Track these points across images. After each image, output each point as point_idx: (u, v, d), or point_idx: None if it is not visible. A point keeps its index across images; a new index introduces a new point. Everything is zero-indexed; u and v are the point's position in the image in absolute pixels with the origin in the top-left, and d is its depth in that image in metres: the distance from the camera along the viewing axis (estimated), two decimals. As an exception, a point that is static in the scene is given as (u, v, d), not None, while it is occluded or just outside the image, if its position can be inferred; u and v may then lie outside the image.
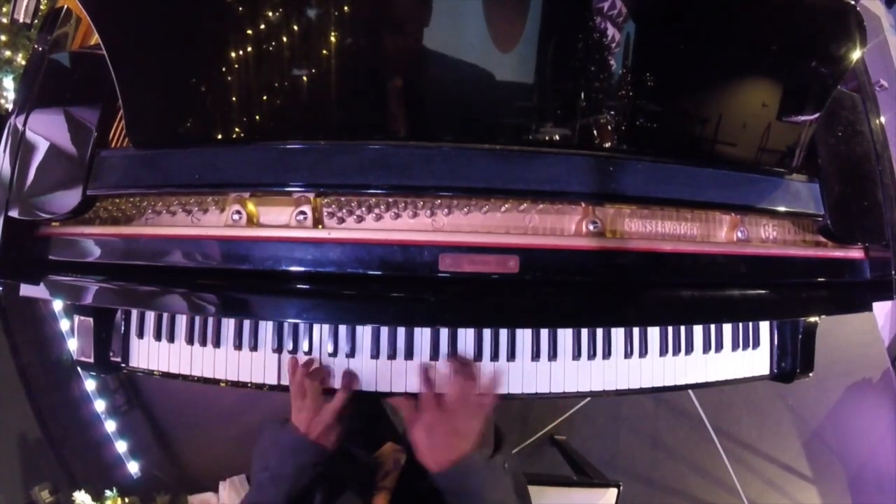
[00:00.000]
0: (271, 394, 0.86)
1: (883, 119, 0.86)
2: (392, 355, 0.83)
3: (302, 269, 0.73)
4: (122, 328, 0.88)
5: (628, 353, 0.87)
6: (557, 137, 0.73)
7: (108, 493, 1.49)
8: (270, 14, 0.71)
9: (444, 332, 0.83)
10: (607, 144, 0.74)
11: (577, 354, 0.85)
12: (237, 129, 0.73)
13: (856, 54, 0.78)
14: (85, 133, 0.76)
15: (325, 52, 0.71)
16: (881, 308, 2.19)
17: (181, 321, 0.86)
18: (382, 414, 1.16)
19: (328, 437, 0.76)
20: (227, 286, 0.75)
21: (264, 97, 0.72)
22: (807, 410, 1.98)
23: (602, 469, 1.48)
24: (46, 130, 0.77)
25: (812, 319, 0.91)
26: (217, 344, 0.85)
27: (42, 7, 0.93)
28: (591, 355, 0.85)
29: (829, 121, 0.83)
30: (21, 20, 0.91)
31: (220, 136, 0.73)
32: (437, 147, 0.70)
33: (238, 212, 0.76)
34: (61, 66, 0.81)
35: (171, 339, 0.86)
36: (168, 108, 0.75)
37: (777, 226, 0.85)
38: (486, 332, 0.84)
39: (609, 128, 0.74)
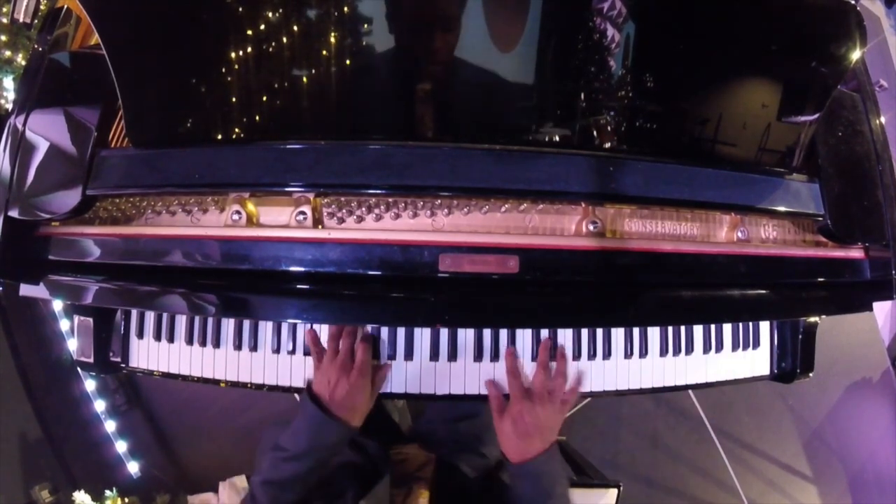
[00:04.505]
0: (271, 394, 0.86)
1: (883, 119, 0.86)
2: (392, 355, 0.83)
3: (302, 269, 0.73)
4: (122, 328, 0.88)
5: (628, 354, 0.87)
6: (557, 137, 0.73)
7: (108, 493, 1.49)
8: (270, 14, 0.71)
9: (444, 332, 0.83)
10: (607, 144, 0.74)
11: (577, 355, 0.85)
12: (237, 129, 0.73)
13: (856, 54, 0.78)
14: (85, 133, 0.76)
15: (324, 52, 0.71)
16: (881, 308, 2.20)
17: (181, 321, 0.86)
18: (384, 412, 1.16)
19: (352, 404, 0.74)
20: (226, 286, 0.75)
21: (264, 97, 0.72)
22: (807, 410, 1.98)
23: (602, 469, 1.48)
24: (46, 130, 0.77)
25: (812, 319, 0.91)
26: (217, 344, 0.85)
27: (42, 7, 0.93)
28: (591, 355, 0.85)
29: (829, 121, 0.82)
30: (21, 20, 0.91)
31: (219, 136, 0.73)
32: (437, 147, 0.70)
33: (238, 212, 0.76)
34: (61, 66, 0.81)
35: (171, 339, 0.86)
36: (168, 108, 0.75)
37: (777, 226, 0.85)
38: (486, 332, 0.84)
39: (609, 128, 0.74)
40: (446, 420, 1.00)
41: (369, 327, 0.82)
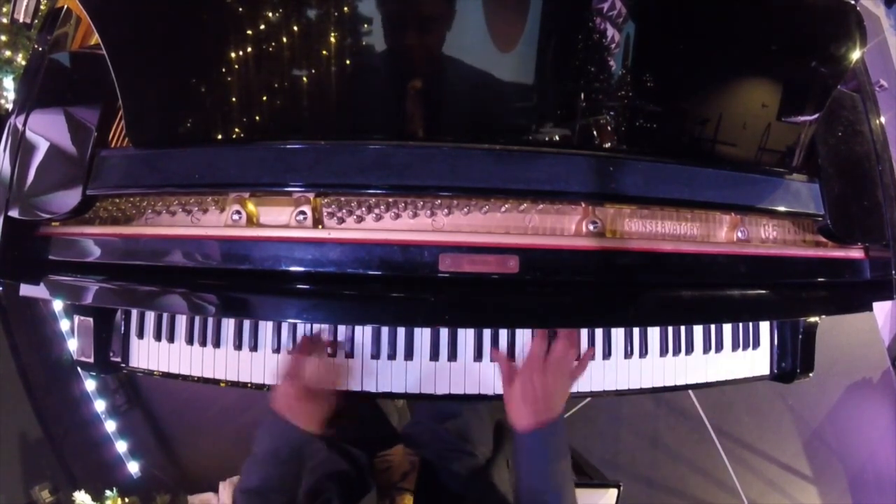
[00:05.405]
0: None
1: (883, 119, 0.86)
2: (392, 355, 0.83)
3: (302, 269, 0.73)
4: (122, 328, 0.88)
5: (628, 354, 0.87)
6: (557, 137, 0.73)
7: (108, 493, 1.48)
8: (270, 14, 0.71)
9: (444, 332, 0.83)
10: (607, 144, 0.74)
11: (577, 355, 0.85)
12: (237, 129, 0.73)
13: (856, 54, 0.78)
14: (85, 133, 0.76)
15: (324, 52, 0.71)
16: (881, 308, 2.20)
17: (181, 321, 0.86)
18: (381, 415, 1.16)
19: (300, 413, 0.75)
20: (227, 286, 0.75)
21: (264, 97, 0.72)
22: (807, 410, 1.98)
23: (602, 469, 1.48)
24: (46, 130, 0.77)
25: (812, 319, 0.91)
26: (217, 344, 0.85)
27: (42, 7, 0.93)
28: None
29: (829, 121, 0.82)
30: (21, 20, 0.91)
31: (220, 136, 0.73)
32: (437, 147, 0.70)
33: (238, 212, 0.76)
34: (61, 66, 0.81)
35: (171, 339, 0.86)
36: (168, 108, 0.75)
37: (777, 226, 0.85)
38: (486, 332, 0.84)
39: (609, 128, 0.74)
40: (432, 421, 1.00)
41: (341, 334, 0.83)
